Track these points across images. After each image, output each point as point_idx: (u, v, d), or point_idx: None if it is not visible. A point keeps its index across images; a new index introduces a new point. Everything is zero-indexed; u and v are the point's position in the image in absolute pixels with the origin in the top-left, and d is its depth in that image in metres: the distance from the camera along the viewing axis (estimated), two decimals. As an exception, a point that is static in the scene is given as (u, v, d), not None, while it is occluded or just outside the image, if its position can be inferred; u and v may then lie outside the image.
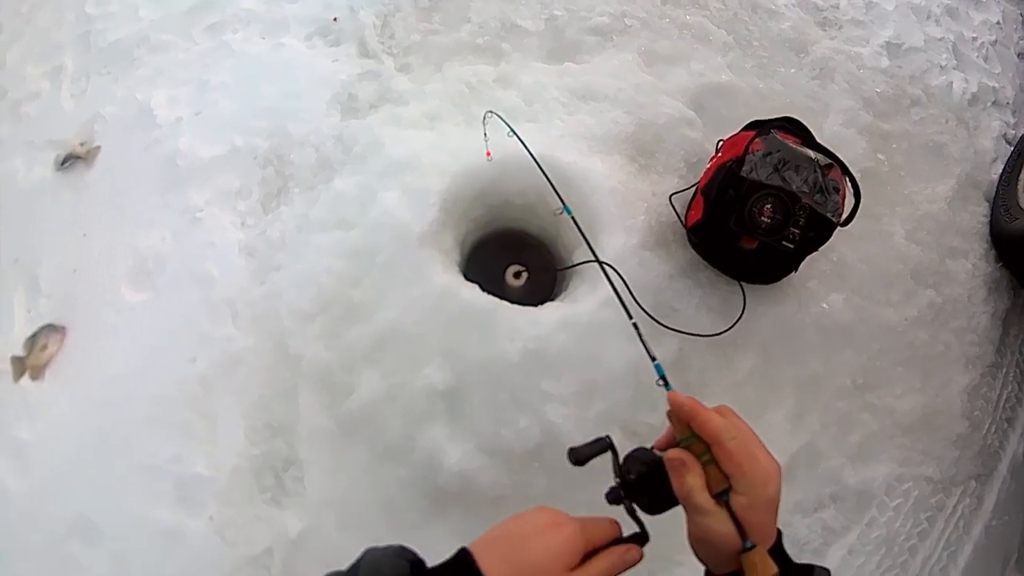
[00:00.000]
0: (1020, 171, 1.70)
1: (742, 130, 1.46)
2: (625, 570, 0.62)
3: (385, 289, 1.38)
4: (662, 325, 1.35)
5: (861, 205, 1.32)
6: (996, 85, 1.99)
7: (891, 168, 1.53)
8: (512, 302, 1.38)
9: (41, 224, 1.94)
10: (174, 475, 1.53)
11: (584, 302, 1.36)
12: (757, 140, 1.33)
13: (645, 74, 1.70)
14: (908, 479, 1.55)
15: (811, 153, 1.35)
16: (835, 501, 1.49)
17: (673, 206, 1.47)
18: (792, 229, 1.34)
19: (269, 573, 1.46)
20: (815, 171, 1.35)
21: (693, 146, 1.57)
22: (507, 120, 1.31)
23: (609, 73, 1.69)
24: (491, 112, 1.37)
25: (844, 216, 1.35)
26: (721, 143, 1.49)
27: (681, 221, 1.45)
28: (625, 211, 1.42)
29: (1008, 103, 1.99)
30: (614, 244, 1.38)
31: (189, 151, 1.72)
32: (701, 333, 1.37)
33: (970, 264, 1.67)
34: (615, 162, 1.49)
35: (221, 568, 1.45)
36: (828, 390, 1.47)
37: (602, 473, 1.38)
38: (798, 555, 1.44)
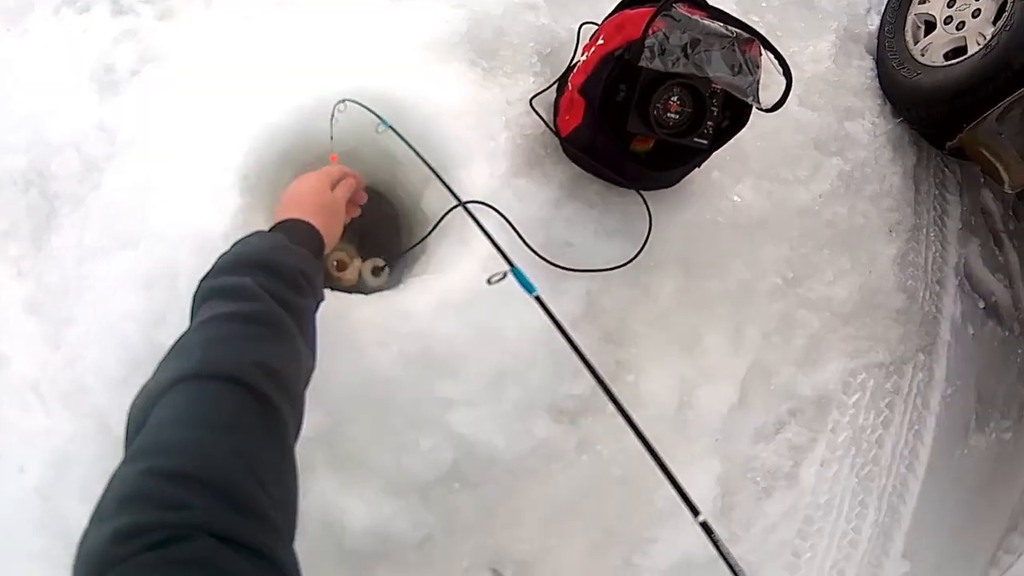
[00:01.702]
0: (904, 23, 1.56)
1: (620, 7, 1.18)
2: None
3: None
4: (560, 267, 1.11)
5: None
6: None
7: (767, 29, 1.32)
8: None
9: None
10: None
11: (458, 267, 1.08)
12: (658, 20, 1.04)
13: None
14: (861, 370, 1.42)
15: (722, 28, 1.09)
16: (794, 416, 1.34)
17: (537, 112, 1.20)
18: (707, 122, 1.11)
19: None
20: (733, 49, 1.10)
21: (542, 34, 1.28)
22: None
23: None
24: (345, 101, 1.05)
25: (775, 102, 1.10)
26: (596, 27, 1.21)
27: (552, 130, 1.19)
28: (480, 132, 1.14)
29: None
30: (477, 178, 1.11)
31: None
32: (606, 267, 1.14)
33: (869, 123, 1.53)
34: (453, 72, 1.18)
35: None
36: (760, 294, 1.30)
37: (535, 471, 1.14)
38: (771, 484, 1.29)
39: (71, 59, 1.34)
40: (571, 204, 1.18)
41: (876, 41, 1.64)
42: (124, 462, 0.48)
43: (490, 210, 1.09)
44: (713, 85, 1.10)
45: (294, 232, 0.82)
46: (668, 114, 1.10)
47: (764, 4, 1.46)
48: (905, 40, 1.56)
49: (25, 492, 1.19)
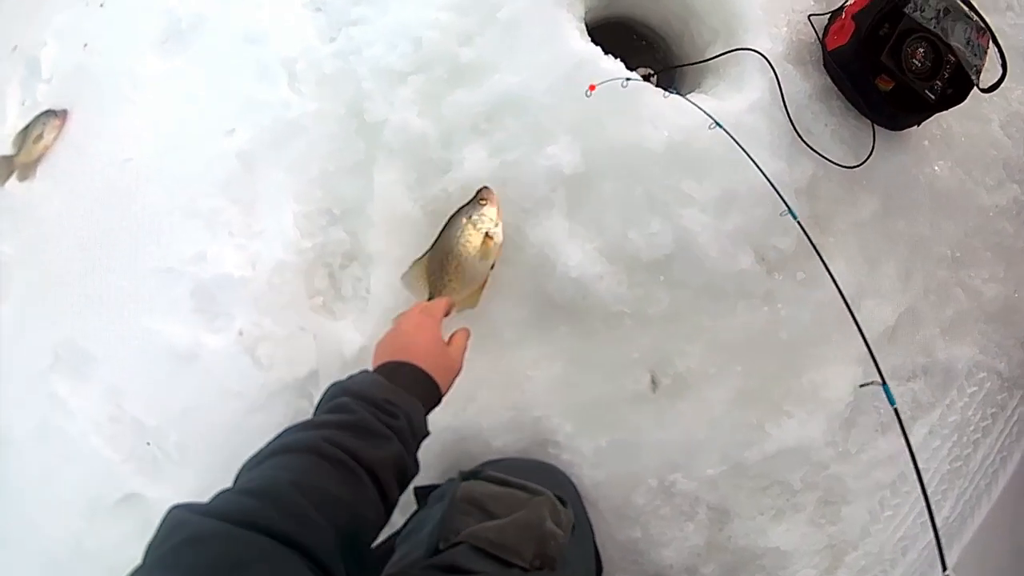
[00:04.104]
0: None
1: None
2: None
3: (506, 50, 1.16)
4: (804, 141, 1.23)
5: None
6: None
7: (989, 60, 1.52)
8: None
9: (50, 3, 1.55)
10: (192, 279, 1.23)
11: (729, 101, 1.20)
12: (931, -20, 1.26)
13: None
14: (984, 368, 1.51)
15: (967, 10, 1.32)
16: (925, 374, 1.42)
17: (813, 26, 1.35)
18: (937, 81, 1.29)
19: (311, 402, 1.17)
20: (972, 30, 1.32)
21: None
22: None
23: None
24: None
25: (989, 84, 1.31)
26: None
27: (821, 42, 1.34)
28: (770, 17, 1.29)
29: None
30: (760, 47, 1.24)
31: None
32: (839, 163, 1.26)
33: (1048, 175, 1.68)
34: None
35: (248, 396, 1.18)
36: (932, 256, 1.41)
37: (725, 297, 1.22)
38: (890, 423, 1.37)
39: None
40: (818, 104, 1.32)
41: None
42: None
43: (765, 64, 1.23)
44: (950, 54, 1.29)
45: (412, 384, 0.78)
46: (912, 60, 1.29)
47: (1009, 22, 1.64)
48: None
49: (224, 153, 1.26)
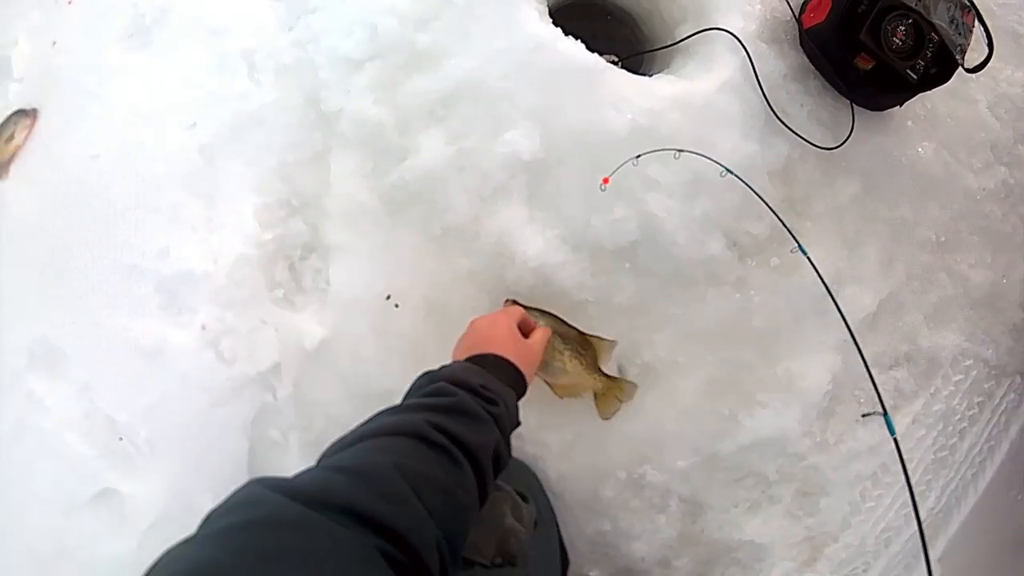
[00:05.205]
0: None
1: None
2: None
3: (463, 35, 1.13)
4: (779, 119, 1.19)
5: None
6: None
7: (974, 39, 1.47)
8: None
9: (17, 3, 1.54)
10: (156, 275, 1.23)
11: (699, 81, 1.17)
12: (911, -46, 1.21)
13: None
14: (971, 356, 1.47)
15: None
16: (909, 361, 1.39)
17: (788, 3, 1.31)
18: (919, 60, 1.25)
19: (275, 395, 1.16)
20: (956, 8, 1.29)
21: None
22: None
23: None
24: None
25: (975, 64, 1.28)
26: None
27: (797, 20, 1.30)
28: None
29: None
30: (731, 25, 1.20)
31: None
32: (817, 144, 1.22)
33: (1039, 159, 1.63)
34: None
35: (213, 390, 1.17)
36: (915, 240, 1.38)
37: (695, 285, 1.19)
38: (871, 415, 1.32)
39: None
40: (794, 84, 1.28)
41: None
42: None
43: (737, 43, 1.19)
44: (933, 32, 1.25)
45: (498, 371, 0.79)
46: (893, 39, 1.24)
47: (997, 1, 1.58)
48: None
49: (186, 147, 1.25)
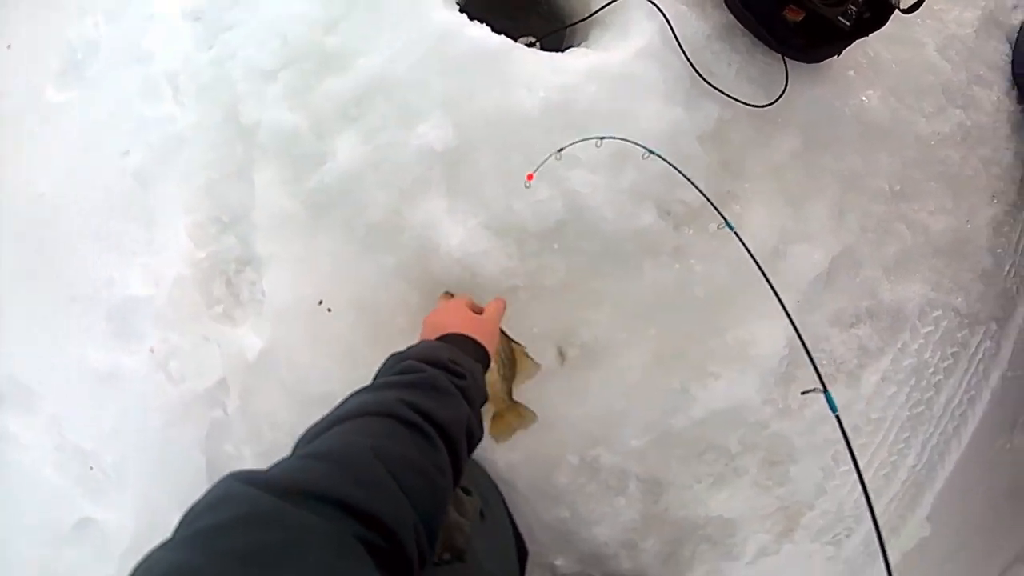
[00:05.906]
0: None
1: None
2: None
3: (369, 32, 1.12)
4: (706, 81, 1.16)
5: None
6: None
7: None
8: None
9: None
10: (105, 303, 1.26)
11: (615, 51, 1.14)
12: None
13: None
14: (938, 306, 1.43)
15: None
16: (871, 317, 1.35)
17: None
18: (851, 6, 1.20)
19: (225, 410, 1.16)
20: None
21: None
22: None
23: None
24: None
25: (909, 4, 1.22)
26: None
27: (717, -24, 1.26)
28: None
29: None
30: (646, -9, 1.16)
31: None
32: (742, 100, 1.19)
33: (995, 97, 1.57)
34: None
35: (167, 411, 1.19)
36: (867, 191, 1.34)
37: (629, 258, 1.17)
38: (834, 374, 1.30)
39: None
40: (720, 43, 1.24)
41: (1016, 35, 1.69)
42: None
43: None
44: None
45: (463, 346, 0.80)
46: None
47: None
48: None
49: (122, 174, 1.27)
